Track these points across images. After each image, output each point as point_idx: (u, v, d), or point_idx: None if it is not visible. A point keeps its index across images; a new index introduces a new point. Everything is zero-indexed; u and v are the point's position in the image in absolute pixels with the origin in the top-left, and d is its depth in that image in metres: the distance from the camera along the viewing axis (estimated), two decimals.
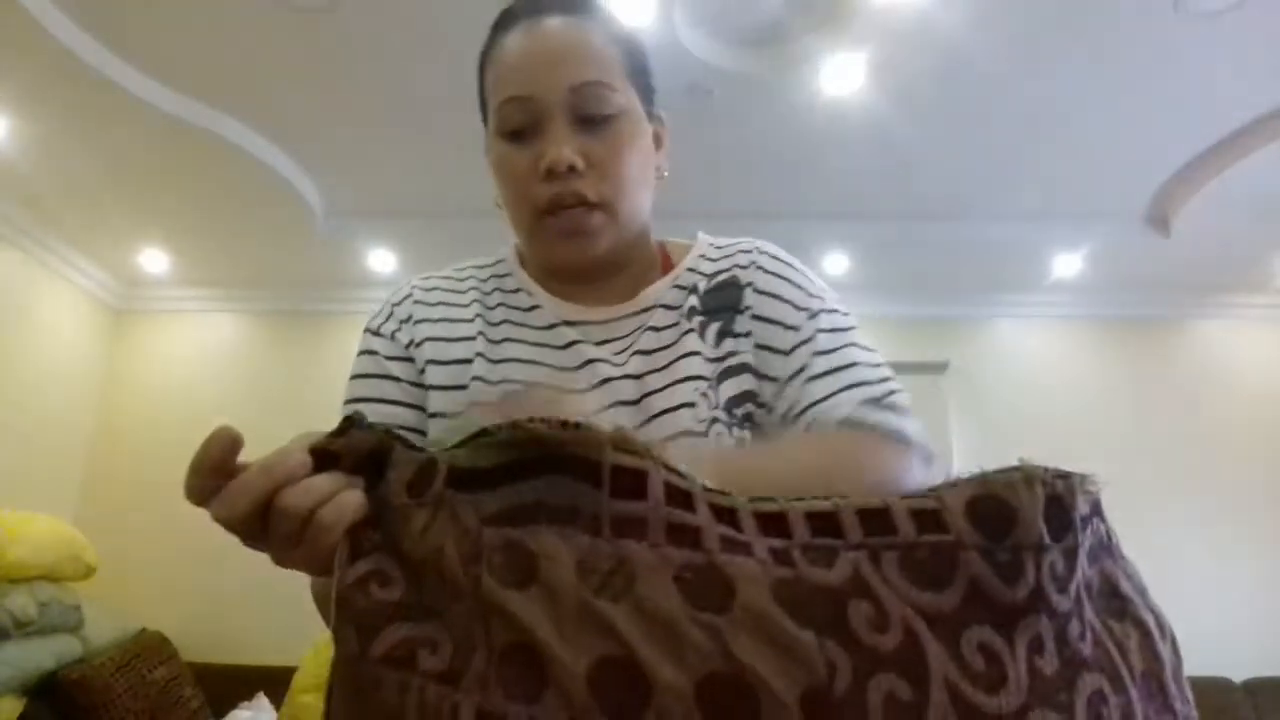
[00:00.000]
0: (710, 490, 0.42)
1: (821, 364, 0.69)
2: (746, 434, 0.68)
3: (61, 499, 3.64)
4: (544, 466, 0.40)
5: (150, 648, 3.11)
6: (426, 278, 0.82)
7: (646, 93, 0.77)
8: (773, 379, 0.70)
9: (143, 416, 3.91)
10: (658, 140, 0.79)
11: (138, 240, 3.60)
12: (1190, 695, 0.45)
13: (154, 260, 3.74)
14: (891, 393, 0.67)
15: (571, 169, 0.69)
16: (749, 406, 0.70)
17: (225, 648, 3.38)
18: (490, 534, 0.39)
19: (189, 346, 4.04)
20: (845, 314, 0.74)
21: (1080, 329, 3.98)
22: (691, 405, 0.68)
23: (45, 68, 2.41)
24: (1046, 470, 0.42)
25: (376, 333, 0.77)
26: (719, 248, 0.80)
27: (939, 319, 3.96)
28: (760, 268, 0.76)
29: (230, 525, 0.42)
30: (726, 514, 0.41)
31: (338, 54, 2.47)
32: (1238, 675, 3.35)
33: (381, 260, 3.72)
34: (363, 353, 0.77)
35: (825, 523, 0.41)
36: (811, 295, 0.74)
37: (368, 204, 3.42)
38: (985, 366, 3.91)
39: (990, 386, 3.87)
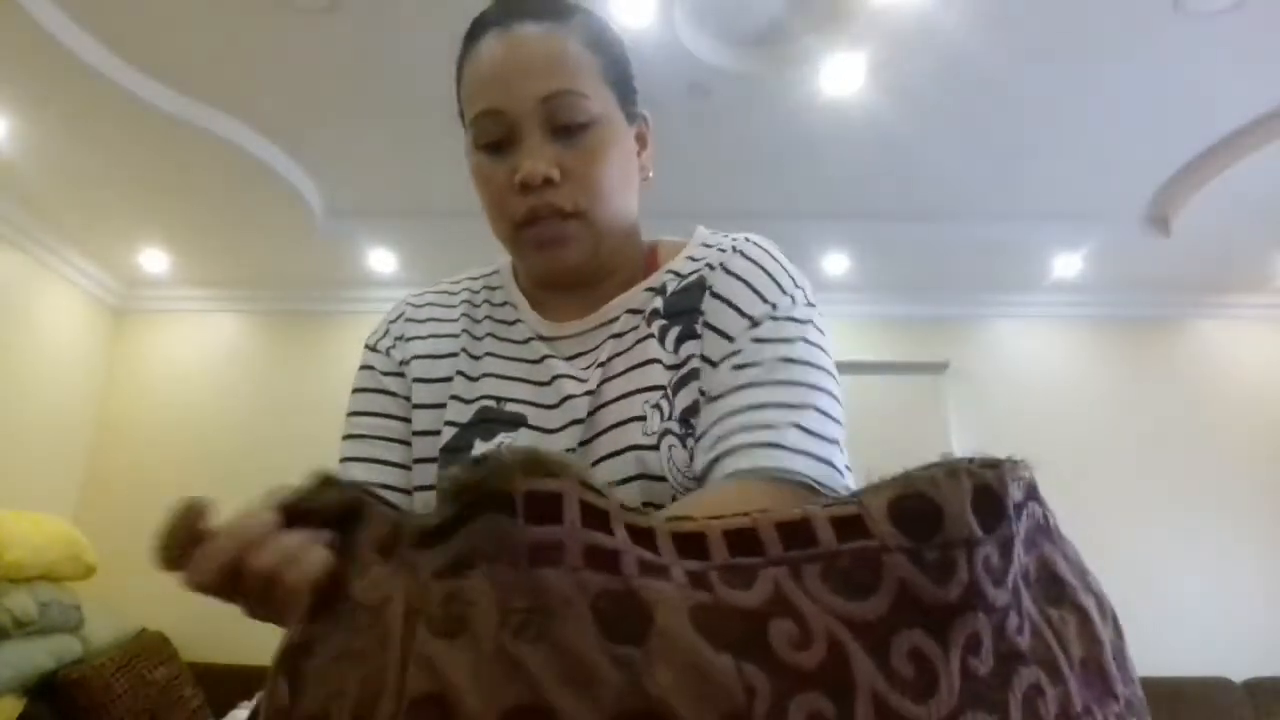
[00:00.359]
0: (628, 509, 0.41)
1: (731, 379, 0.65)
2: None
3: (61, 499, 3.64)
4: (474, 510, 0.40)
5: (150, 648, 3.11)
6: (421, 294, 0.83)
7: (627, 93, 0.75)
8: (703, 394, 0.66)
9: (143, 416, 3.91)
10: (642, 140, 0.78)
11: (138, 240, 3.60)
12: (1135, 675, 0.45)
13: (154, 260, 3.74)
14: (793, 424, 0.61)
15: (547, 181, 0.68)
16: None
17: (225, 648, 3.38)
18: (436, 587, 0.38)
19: (189, 346, 4.04)
20: (800, 320, 0.68)
21: (1080, 329, 3.98)
22: (641, 419, 0.66)
23: (45, 68, 2.41)
24: (972, 460, 0.41)
25: (374, 349, 0.80)
26: (706, 245, 0.77)
27: (939, 319, 3.96)
28: (724, 268, 0.72)
29: (203, 589, 0.44)
30: (644, 535, 0.40)
31: (338, 54, 2.47)
32: (1238, 675, 3.36)
33: (381, 260, 3.72)
34: (362, 368, 0.80)
35: (743, 539, 0.40)
36: (765, 300, 0.68)
37: (368, 204, 3.43)
38: (985, 366, 3.91)
39: (990, 386, 3.87)
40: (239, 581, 0.44)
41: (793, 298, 0.69)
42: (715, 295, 0.70)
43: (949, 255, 3.61)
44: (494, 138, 0.70)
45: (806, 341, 0.67)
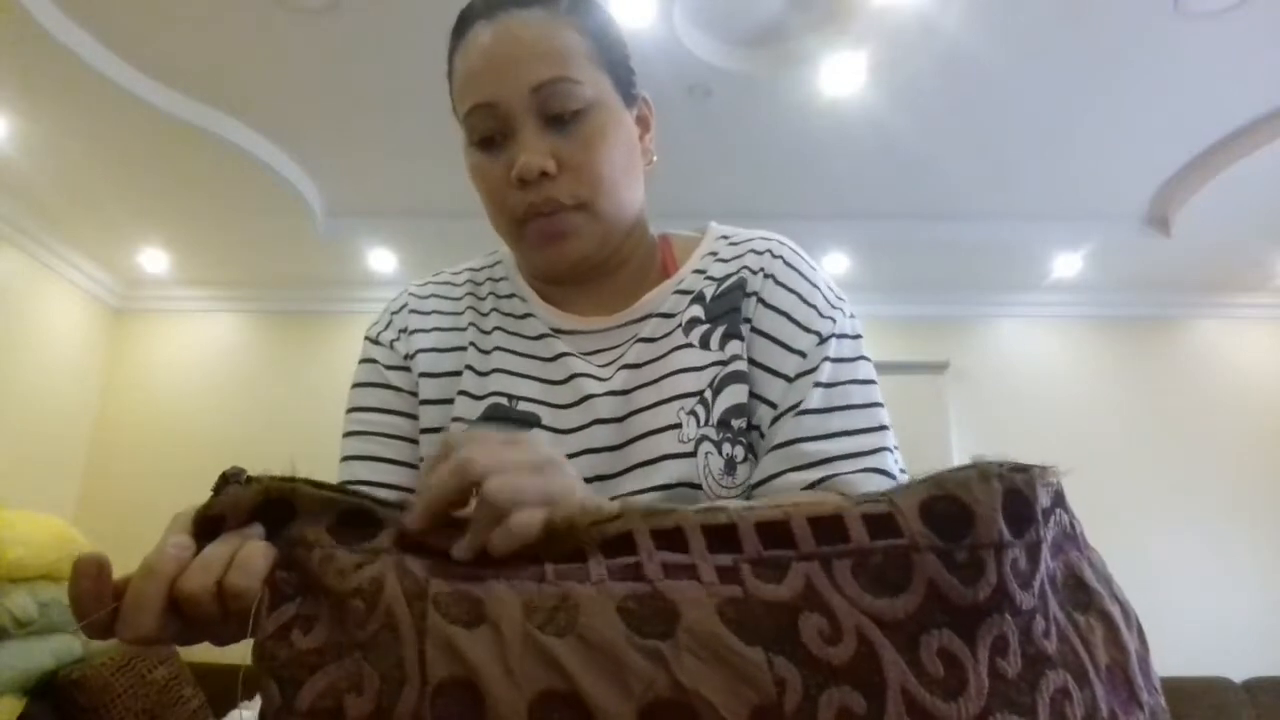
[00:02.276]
0: (650, 514, 0.41)
1: (818, 398, 0.65)
2: (738, 450, 0.64)
3: (61, 499, 3.64)
4: None
5: (150, 648, 3.10)
6: (424, 284, 0.80)
7: (623, 75, 0.72)
8: (770, 403, 0.66)
9: (143, 416, 3.91)
10: (643, 124, 0.75)
11: (138, 240, 3.60)
12: (1158, 684, 0.45)
13: (154, 260, 3.74)
14: (879, 449, 0.64)
15: (544, 174, 0.66)
16: (743, 420, 0.66)
17: (226, 648, 3.39)
18: (437, 583, 0.39)
19: (189, 346, 4.04)
20: (855, 336, 0.70)
21: (1080, 329, 3.98)
22: (677, 426, 0.65)
23: (45, 68, 2.41)
24: (1003, 465, 0.41)
25: (376, 341, 0.76)
26: (733, 244, 0.75)
27: (939, 319, 3.96)
28: (772, 277, 0.71)
29: (146, 641, 0.40)
30: (671, 535, 0.40)
31: (338, 54, 2.47)
32: (1238, 675, 3.36)
33: (381, 260, 3.72)
34: (363, 361, 0.76)
35: (776, 533, 0.40)
36: (823, 315, 0.69)
37: (368, 204, 3.42)
38: (985, 366, 3.91)
39: (990, 386, 3.87)
40: (184, 614, 0.40)
41: (841, 309, 0.71)
42: (767, 305, 0.70)
43: (949, 255, 3.61)
44: (487, 132, 0.68)
45: (864, 359, 0.69)
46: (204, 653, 3.65)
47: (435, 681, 0.35)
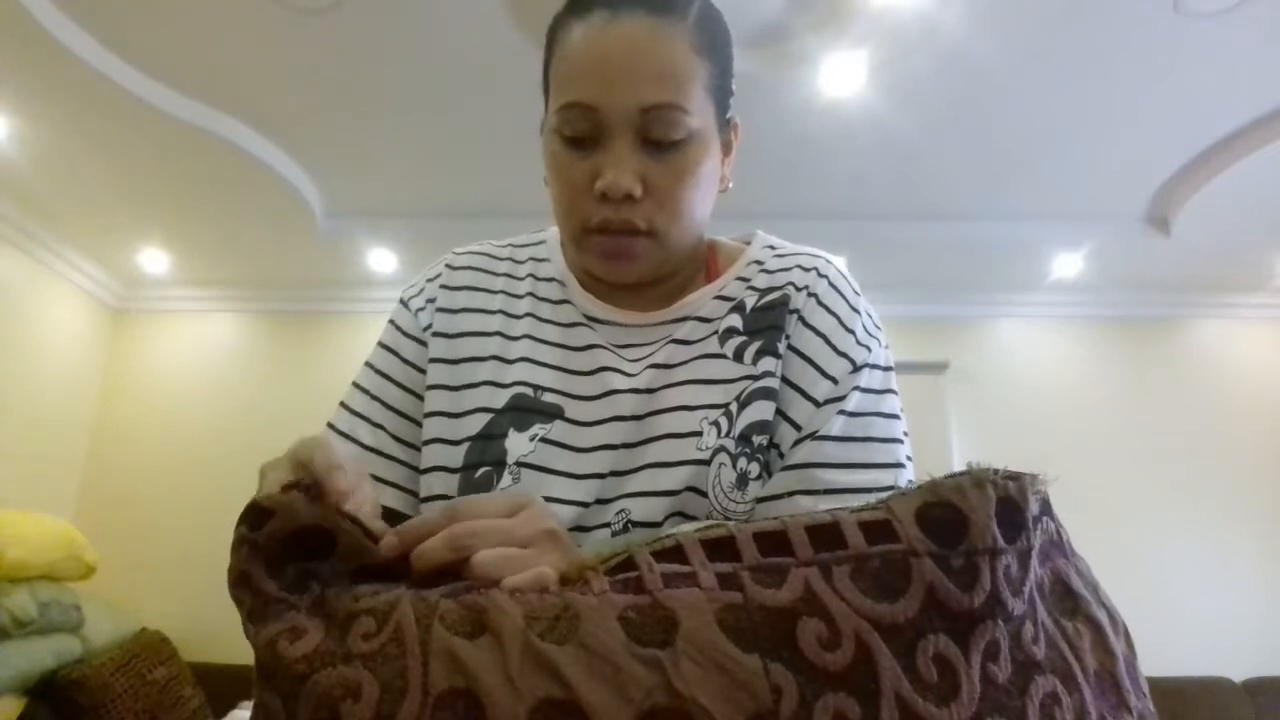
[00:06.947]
0: (653, 540, 0.42)
1: (840, 426, 0.64)
2: (753, 467, 0.63)
3: (61, 499, 3.64)
4: None
5: (150, 648, 3.10)
6: (461, 254, 0.80)
7: (725, 100, 0.71)
8: (795, 424, 0.65)
9: (143, 416, 3.91)
10: (727, 148, 0.75)
11: (138, 240, 3.60)
12: (1146, 688, 0.45)
13: (154, 260, 3.74)
14: (892, 488, 0.62)
15: (627, 195, 0.64)
16: (765, 437, 0.65)
17: (225, 648, 3.38)
18: (446, 601, 0.40)
19: (189, 346, 4.04)
20: (886, 368, 0.69)
21: (1080, 329, 3.98)
22: (697, 434, 0.64)
23: (46, 68, 2.41)
24: (996, 472, 0.42)
25: (406, 305, 0.77)
26: (779, 256, 0.75)
27: (939, 319, 3.96)
28: (815, 296, 0.70)
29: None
30: (671, 553, 0.41)
31: (338, 54, 2.47)
32: (1238, 675, 3.36)
33: (381, 260, 3.72)
34: (390, 321, 0.77)
35: (774, 541, 0.41)
36: (859, 343, 0.68)
37: (368, 204, 3.42)
38: (985, 366, 3.91)
39: (990, 386, 3.87)
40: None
41: (877, 339, 0.70)
42: (806, 324, 0.69)
43: (949, 255, 3.61)
44: (580, 132, 0.65)
45: (892, 392, 0.68)
46: (204, 653, 3.65)
47: (436, 693, 0.36)
